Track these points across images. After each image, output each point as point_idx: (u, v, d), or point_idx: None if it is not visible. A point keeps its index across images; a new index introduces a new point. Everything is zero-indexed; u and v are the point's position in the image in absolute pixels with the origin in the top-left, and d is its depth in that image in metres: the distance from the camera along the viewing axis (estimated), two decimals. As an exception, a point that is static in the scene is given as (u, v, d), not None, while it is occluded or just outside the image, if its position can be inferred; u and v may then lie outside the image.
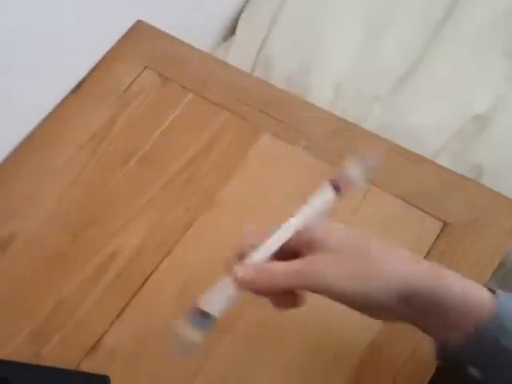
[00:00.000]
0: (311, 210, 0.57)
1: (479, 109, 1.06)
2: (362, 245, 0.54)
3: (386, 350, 0.71)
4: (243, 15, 1.24)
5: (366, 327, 0.72)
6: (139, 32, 1.00)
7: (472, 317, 0.49)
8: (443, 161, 0.99)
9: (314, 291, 0.53)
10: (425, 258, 0.74)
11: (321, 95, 1.10)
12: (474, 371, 0.51)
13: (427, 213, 0.78)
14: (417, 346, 0.70)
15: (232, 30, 1.27)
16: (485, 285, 0.53)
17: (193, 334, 0.54)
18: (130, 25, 1.00)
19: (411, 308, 0.51)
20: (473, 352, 0.50)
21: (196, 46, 0.99)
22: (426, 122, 1.06)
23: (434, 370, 0.68)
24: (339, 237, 0.54)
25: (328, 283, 0.52)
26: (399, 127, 1.04)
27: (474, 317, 0.49)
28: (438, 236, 0.76)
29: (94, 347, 0.75)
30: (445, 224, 0.77)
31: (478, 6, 1.14)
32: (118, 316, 0.76)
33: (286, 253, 0.56)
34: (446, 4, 1.16)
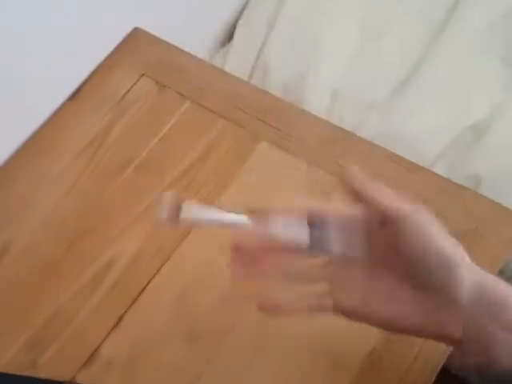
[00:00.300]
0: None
1: (477, 117, 1.06)
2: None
3: (386, 358, 0.70)
4: (241, 21, 1.25)
5: (366, 335, 0.72)
6: (136, 39, 1.00)
7: None
8: (440, 169, 1.00)
9: None
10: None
11: (318, 102, 1.10)
12: None
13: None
14: (417, 355, 0.70)
15: (230, 36, 1.27)
16: None
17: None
18: (126, 32, 1.00)
19: (479, 304, 0.50)
20: None
21: (194, 52, 0.98)
22: (423, 130, 1.06)
23: (434, 378, 0.68)
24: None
25: None
26: (396, 134, 1.04)
27: None
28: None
29: (91, 357, 0.74)
30: (442, 233, 0.76)
31: (476, 13, 1.15)
32: (116, 325, 0.76)
33: None
34: (444, 10, 1.16)
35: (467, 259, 0.52)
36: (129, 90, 0.95)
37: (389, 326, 0.54)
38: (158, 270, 0.79)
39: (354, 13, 1.17)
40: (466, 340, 0.50)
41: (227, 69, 1.16)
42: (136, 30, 1.01)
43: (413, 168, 0.83)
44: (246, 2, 1.26)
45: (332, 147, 0.86)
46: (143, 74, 0.96)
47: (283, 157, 0.86)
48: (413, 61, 1.12)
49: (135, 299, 0.78)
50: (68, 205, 0.86)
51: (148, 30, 1.01)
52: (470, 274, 0.50)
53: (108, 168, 0.88)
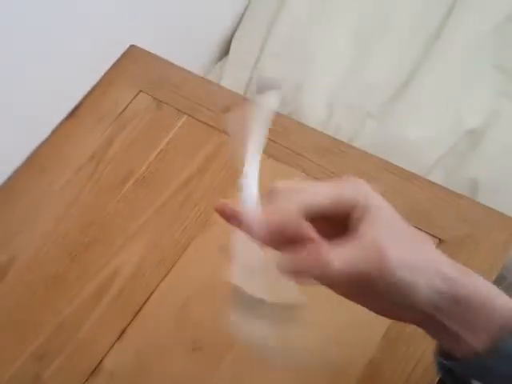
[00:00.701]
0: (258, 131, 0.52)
1: (473, 123, 1.07)
2: (405, 226, 0.51)
3: (384, 368, 0.71)
4: (236, 35, 1.26)
5: (365, 346, 0.72)
6: (132, 56, 1.02)
7: (495, 322, 0.47)
8: (437, 176, 1.00)
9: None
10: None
11: (314, 113, 1.12)
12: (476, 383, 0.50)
13: (421, 230, 0.78)
14: (416, 364, 0.70)
15: (226, 50, 1.29)
16: None
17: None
18: (123, 50, 1.02)
19: (445, 305, 0.48)
20: (483, 366, 0.48)
21: (190, 67, 1.00)
22: (420, 137, 1.07)
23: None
24: (382, 206, 0.50)
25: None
26: (393, 143, 1.06)
27: (497, 323, 0.47)
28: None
29: (95, 371, 0.75)
30: (440, 241, 0.77)
31: (469, 21, 1.16)
32: (119, 337, 0.77)
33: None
34: (437, 18, 1.17)
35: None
36: (127, 106, 0.96)
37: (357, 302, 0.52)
38: (161, 282, 0.80)
39: (348, 24, 1.19)
40: (426, 327, 0.50)
41: (223, 83, 1.17)
42: (132, 47, 1.03)
43: (408, 177, 0.84)
44: (241, 18, 1.28)
45: (328, 158, 0.87)
46: (141, 91, 0.97)
47: (280, 168, 0.87)
48: (407, 69, 1.14)
49: (138, 311, 0.79)
50: (70, 219, 0.87)
51: (144, 47, 1.03)
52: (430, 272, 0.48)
53: (108, 182, 0.89)
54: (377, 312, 0.51)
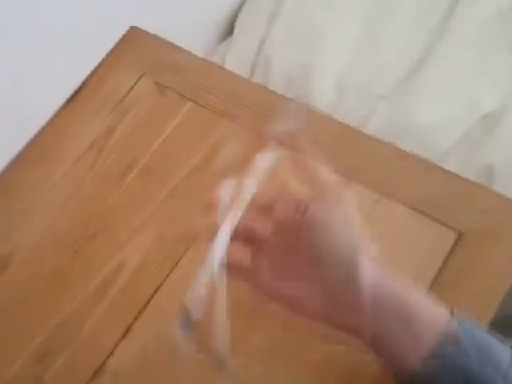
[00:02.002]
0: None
1: (488, 107, 1.03)
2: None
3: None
4: (240, 15, 1.22)
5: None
6: (133, 38, 0.97)
7: (436, 329, 0.48)
8: (452, 161, 0.97)
9: None
10: (441, 268, 0.71)
11: (323, 95, 1.08)
12: None
13: (440, 222, 0.75)
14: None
15: (230, 29, 1.24)
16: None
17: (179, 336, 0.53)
18: (123, 31, 0.97)
19: (381, 314, 0.49)
20: (433, 372, 0.48)
21: (192, 49, 0.96)
22: (434, 122, 1.03)
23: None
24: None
25: None
26: (405, 127, 1.02)
27: (438, 329, 0.48)
28: (452, 246, 0.73)
29: (99, 370, 0.73)
30: (459, 233, 0.74)
31: (484, 1, 1.12)
32: (123, 336, 0.74)
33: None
34: (448, 0, 1.13)
35: (369, 258, 0.51)
36: (128, 92, 0.92)
37: (293, 307, 0.54)
38: (167, 276, 0.77)
39: (358, 2, 1.15)
40: (378, 343, 0.51)
41: (227, 65, 1.14)
42: (133, 28, 0.98)
43: (426, 166, 0.80)
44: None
45: (339, 144, 0.83)
46: (142, 75, 0.93)
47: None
48: (419, 51, 1.10)
49: (144, 307, 0.76)
50: (71, 212, 0.84)
51: (145, 27, 0.98)
52: (373, 272, 0.50)
53: (110, 172, 0.86)
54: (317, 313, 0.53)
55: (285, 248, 0.55)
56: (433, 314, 0.49)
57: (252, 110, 0.88)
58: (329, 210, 0.51)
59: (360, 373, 0.68)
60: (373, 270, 0.50)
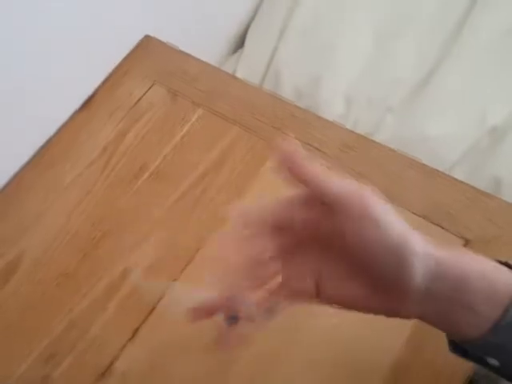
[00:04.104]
0: None
1: (495, 120, 1.04)
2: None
3: (410, 370, 0.68)
4: (252, 27, 1.23)
5: (389, 346, 0.70)
6: (147, 47, 0.99)
7: (499, 299, 0.45)
8: (459, 173, 0.98)
9: None
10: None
11: (332, 106, 1.09)
12: (493, 361, 0.47)
13: (447, 230, 0.75)
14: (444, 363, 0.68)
15: (241, 42, 1.26)
16: None
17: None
18: (137, 40, 0.99)
19: (438, 290, 0.46)
20: (496, 343, 0.46)
21: (204, 59, 0.97)
22: (441, 134, 1.04)
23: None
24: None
25: None
26: (413, 138, 1.03)
27: (501, 300, 0.45)
28: (459, 254, 0.73)
29: (106, 372, 0.73)
30: (466, 241, 0.74)
31: (492, 15, 1.12)
32: (131, 337, 0.74)
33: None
34: (460, 12, 1.14)
35: (422, 242, 0.47)
36: (140, 98, 0.93)
37: (349, 308, 0.51)
38: (176, 279, 0.77)
39: (368, 16, 1.16)
40: (427, 319, 0.48)
41: (238, 76, 1.15)
42: (146, 37, 1.00)
43: (433, 174, 0.81)
44: (257, 8, 1.25)
45: (349, 153, 0.84)
46: (155, 82, 0.95)
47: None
48: (429, 64, 1.10)
49: (151, 309, 0.76)
50: (82, 214, 0.84)
51: (158, 37, 1.00)
52: (426, 259, 0.46)
53: (122, 176, 0.87)
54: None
55: (322, 254, 0.51)
56: (492, 286, 0.46)
57: (263, 118, 0.89)
58: (364, 197, 0.47)
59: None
60: (429, 256, 0.46)
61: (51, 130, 0.91)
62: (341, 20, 1.16)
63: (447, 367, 0.68)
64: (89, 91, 0.94)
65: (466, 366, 0.67)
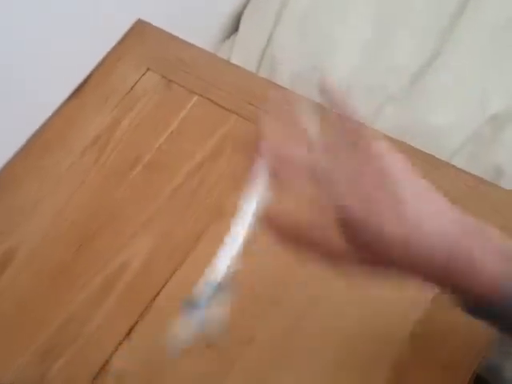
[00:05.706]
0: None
1: (496, 108, 1.03)
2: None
3: (414, 365, 0.68)
4: (246, 11, 1.20)
5: (392, 339, 0.69)
6: (139, 32, 0.96)
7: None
8: (460, 162, 0.96)
9: None
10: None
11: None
12: None
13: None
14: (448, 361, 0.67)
15: (235, 27, 1.23)
16: None
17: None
18: (129, 24, 0.96)
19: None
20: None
21: (198, 44, 0.95)
22: (442, 122, 1.02)
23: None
24: None
25: None
26: (413, 127, 1.01)
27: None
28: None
29: (102, 369, 0.71)
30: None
31: (494, 2, 1.11)
32: (127, 335, 0.73)
33: None
34: (459, 1, 1.12)
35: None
36: (134, 86, 0.91)
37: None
38: (173, 274, 0.76)
39: (367, 2, 1.13)
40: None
41: (233, 62, 1.12)
42: (139, 21, 0.97)
43: (434, 162, 0.80)
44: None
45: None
46: (148, 69, 0.92)
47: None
48: (429, 52, 1.09)
49: (148, 306, 0.74)
50: (76, 206, 0.82)
51: (151, 21, 0.97)
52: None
53: (116, 166, 0.85)
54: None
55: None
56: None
57: (259, 105, 0.86)
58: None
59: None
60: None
61: (43, 117, 0.89)
62: (340, 5, 1.14)
63: (453, 360, 0.67)
64: (81, 78, 0.92)
65: (472, 360, 0.67)
